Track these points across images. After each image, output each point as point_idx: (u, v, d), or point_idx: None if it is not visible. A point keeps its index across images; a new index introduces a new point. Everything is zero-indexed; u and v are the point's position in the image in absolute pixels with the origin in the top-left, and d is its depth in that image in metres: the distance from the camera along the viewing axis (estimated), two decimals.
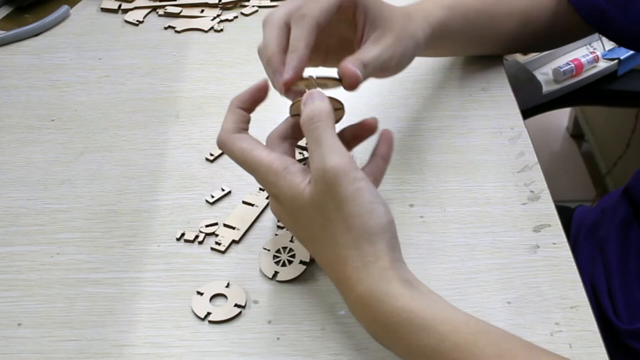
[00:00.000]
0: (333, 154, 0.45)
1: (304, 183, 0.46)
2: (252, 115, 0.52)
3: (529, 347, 0.42)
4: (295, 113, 0.50)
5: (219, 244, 0.56)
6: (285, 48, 0.50)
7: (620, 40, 0.73)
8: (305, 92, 0.49)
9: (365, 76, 0.52)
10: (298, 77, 0.49)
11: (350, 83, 0.50)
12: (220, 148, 0.51)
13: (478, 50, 0.74)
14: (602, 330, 0.49)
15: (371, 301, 0.44)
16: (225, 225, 0.58)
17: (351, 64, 0.50)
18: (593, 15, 0.70)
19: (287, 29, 0.51)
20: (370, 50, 0.53)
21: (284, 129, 0.52)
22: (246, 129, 0.51)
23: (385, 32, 0.54)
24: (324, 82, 0.51)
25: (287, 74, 0.49)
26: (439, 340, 0.42)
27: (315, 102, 0.47)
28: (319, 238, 0.47)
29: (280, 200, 0.49)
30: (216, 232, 0.57)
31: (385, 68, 0.54)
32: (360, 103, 0.70)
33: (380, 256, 0.44)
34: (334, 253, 0.46)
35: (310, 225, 0.47)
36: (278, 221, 0.58)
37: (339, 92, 0.51)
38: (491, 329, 0.43)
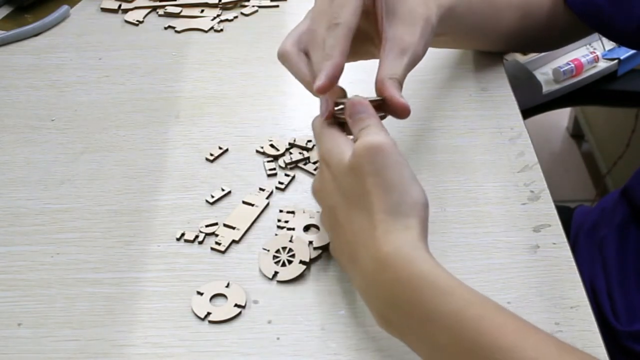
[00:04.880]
0: (379, 134, 0.47)
1: (349, 151, 0.48)
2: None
3: (546, 333, 0.42)
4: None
5: (219, 244, 0.56)
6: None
7: (616, 38, 0.73)
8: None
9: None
10: (332, 84, 0.49)
11: (403, 115, 0.52)
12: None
13: (479, 44, 0.73)
14: (601, 331, 0.49)
15: (397, 261, 0.44)
16: (225, 225, 0.58)
17: (396, 91, 0.51)
18: (588, 13, 0.69)
19: (303, 55, 0.53)
20: (399, 63, 0.52)
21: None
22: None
23: (407, 26, 0.53)
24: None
25: (320, 80, 0.49)
26: (465, 305, 0.42)
27: (356, 101, 0.50)
28: (355, 203, 0.47)
29: (329, 165, 0.50)
30: (216, 232, 0.57)
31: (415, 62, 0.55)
32: None
33: (412, 228, 0.45)
34: (367, 217, 0.46)
35: (350, 189, 0.48)
36: (279, 220, 0.58)
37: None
38: (507, 310, 0.43)
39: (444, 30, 0.61)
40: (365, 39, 0.56)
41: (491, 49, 0.74)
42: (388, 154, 0.46)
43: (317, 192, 0.53)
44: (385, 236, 0.45)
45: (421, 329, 0.43)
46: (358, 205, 0.47)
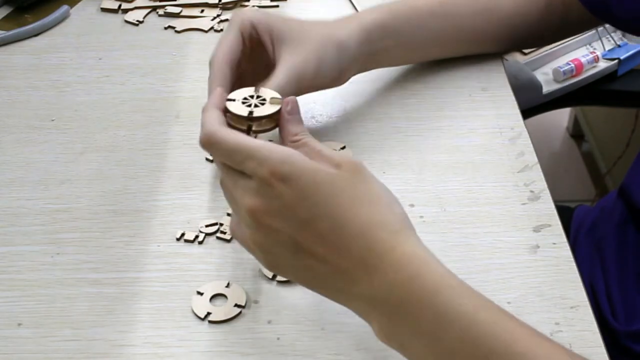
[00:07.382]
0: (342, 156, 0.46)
1: (325, 163, 0.45)
2: None
3: (555, 342, 0.42)
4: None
5: (224, 232, 0.56)
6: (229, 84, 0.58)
7: (623, 26, 0.73)
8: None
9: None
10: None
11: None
12: (206, 142, 0.46)
13: (462, 51, 0.73)
14: (600, 331, 0.49)
15: (414, 260, 0.43)
16: (228, 214, 0.58)
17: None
18: (595, 1, 0.69)
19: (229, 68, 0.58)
20: (275, 78, 0.57)
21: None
22: None
23: (294, 47, 0.59)
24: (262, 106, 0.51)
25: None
26: (479, 309, 0.41)
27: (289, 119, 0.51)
28: (348, 207, 0.44)
29: (292, 182, 0.43)
30: (221, 222, 0.57)
31: (303, 81, 0.59)
32: (359, 103, 0.70)
33: (412, 227, 0.46)
34: (367, 220, 0.44)
35: (336, 197, 0.44)
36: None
37: None
38: (516, 317, 0.43)
39: (386, 45, 0.66)
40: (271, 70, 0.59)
41: (482, 52, 0.74)
42: (367, 171, 0.46)
43: (264, 216, 0.44)
44: (394, 236, 0.44)
45: (432, 332, 0.42)
46: (352, 208, 0.44)
